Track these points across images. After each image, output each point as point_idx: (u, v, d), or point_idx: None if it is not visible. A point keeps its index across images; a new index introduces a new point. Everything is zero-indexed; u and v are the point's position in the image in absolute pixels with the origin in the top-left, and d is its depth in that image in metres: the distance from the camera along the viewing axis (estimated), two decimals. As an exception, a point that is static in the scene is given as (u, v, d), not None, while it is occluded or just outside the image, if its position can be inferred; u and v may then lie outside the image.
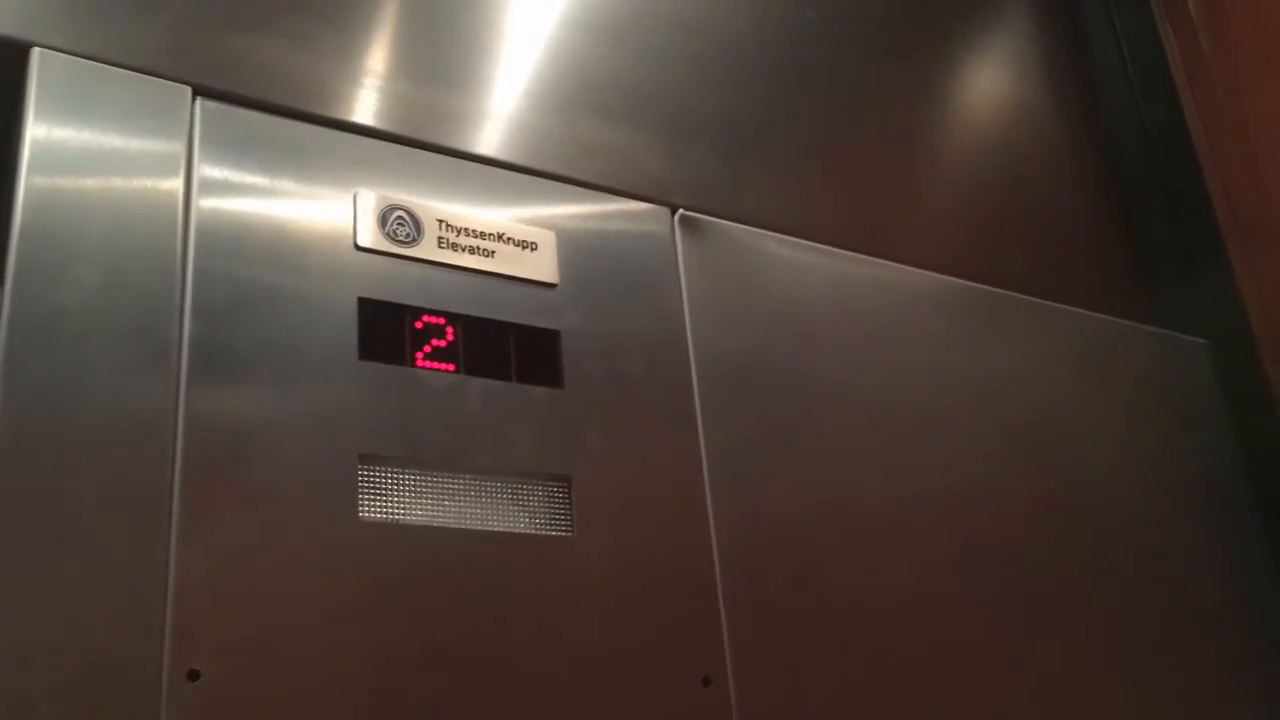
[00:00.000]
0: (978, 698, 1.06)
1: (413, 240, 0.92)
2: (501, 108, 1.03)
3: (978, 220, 1.36)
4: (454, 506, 0.85)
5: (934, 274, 1.24)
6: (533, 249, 0.97)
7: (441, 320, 0.90)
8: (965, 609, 1.09)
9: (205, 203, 0.84)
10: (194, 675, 0.71)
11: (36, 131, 0.79)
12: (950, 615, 1.07)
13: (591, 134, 1.07)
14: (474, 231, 0.95)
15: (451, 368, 0.89)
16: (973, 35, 1.50)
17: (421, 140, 0.97)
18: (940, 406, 1.17)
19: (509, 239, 0.96)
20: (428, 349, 0.88)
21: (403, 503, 0.83)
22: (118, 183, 0.81)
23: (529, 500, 0.89)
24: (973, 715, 1.04)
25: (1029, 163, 1.46)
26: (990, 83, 1.49)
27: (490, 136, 1.01)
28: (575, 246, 1.00)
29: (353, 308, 0.86)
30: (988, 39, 1.52)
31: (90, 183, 0.80)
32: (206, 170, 0.85)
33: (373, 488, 0.82)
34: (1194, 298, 1.51)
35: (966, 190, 1.38)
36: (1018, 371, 1.26)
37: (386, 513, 0.82)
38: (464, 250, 0.94)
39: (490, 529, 0.86)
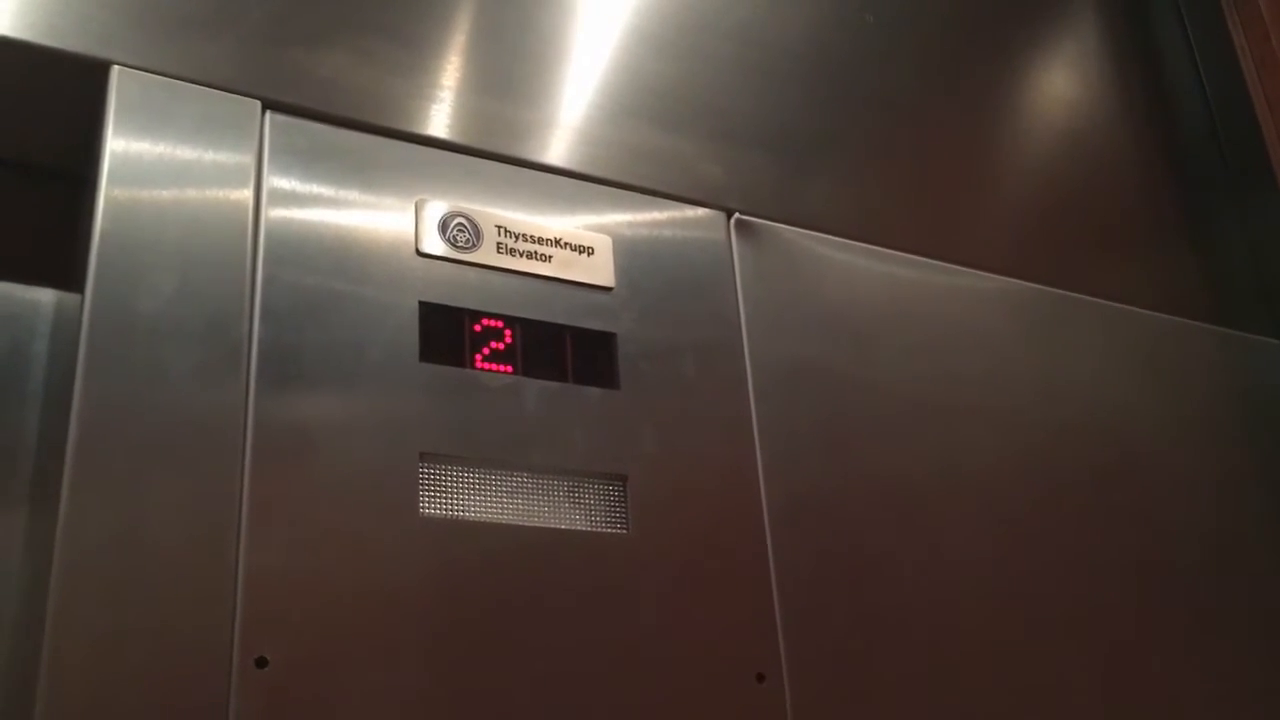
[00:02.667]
0: (1034, 695, 1.05)
1: (472, 246, 0.94)
2: (559, 116, 1.06)
3: (1040, 221, 1.35)
4: (512, 504, 0.88)
5: (995, 276, 1.24)
6: (589, 253, 0.99)
7: (500, 323, 0.93)
8: (1025, 610, 1.08)
9: (274, 212, 0.87)
10: (262, 662, 0.74)
11: (115, 146, 0.83)
12: (1009, 615, 1.07)
13: (647, 140, 1.09)
14: (532, 237, 0.97)
15: (509, 369, 0.91)
16: (1034, 35, 1.49)
17: (481, 149, 0.99)
18: (1001, 410, 1.17)
19: (566, 244, 0.99)
20: (486, 351, 0.91)
21: (462, 500, 0.86)
22: (191, 193, 0.85)
23: (585, 498, 0.91)
24: (1028, 709, 1.04)
25: (1094, 163, 1.45)
26: (1052, 82, 1.48)
27: (548, 144, 1.04)
28: (631, 251, 1.02)
29: (414, 311, 0.89)
30: (1049, 38, 1.51)
31: (165, 193, 0.84)
32: (275, 181, 0.88)
33: (433, 485, 0.85)
34: (1264, 297, 1.48)
35: (1028, 191, 1.37)
36: (1082, 374, 1.25)
37: (446, 509, 0.85)
38: (522, 255, 0.96)
39: (547, 526, 0.88)
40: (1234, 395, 1.38)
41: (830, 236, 1.15)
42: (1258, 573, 1.27)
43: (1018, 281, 1.25)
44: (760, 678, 0.91)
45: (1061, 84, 1.49)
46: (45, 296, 0.95)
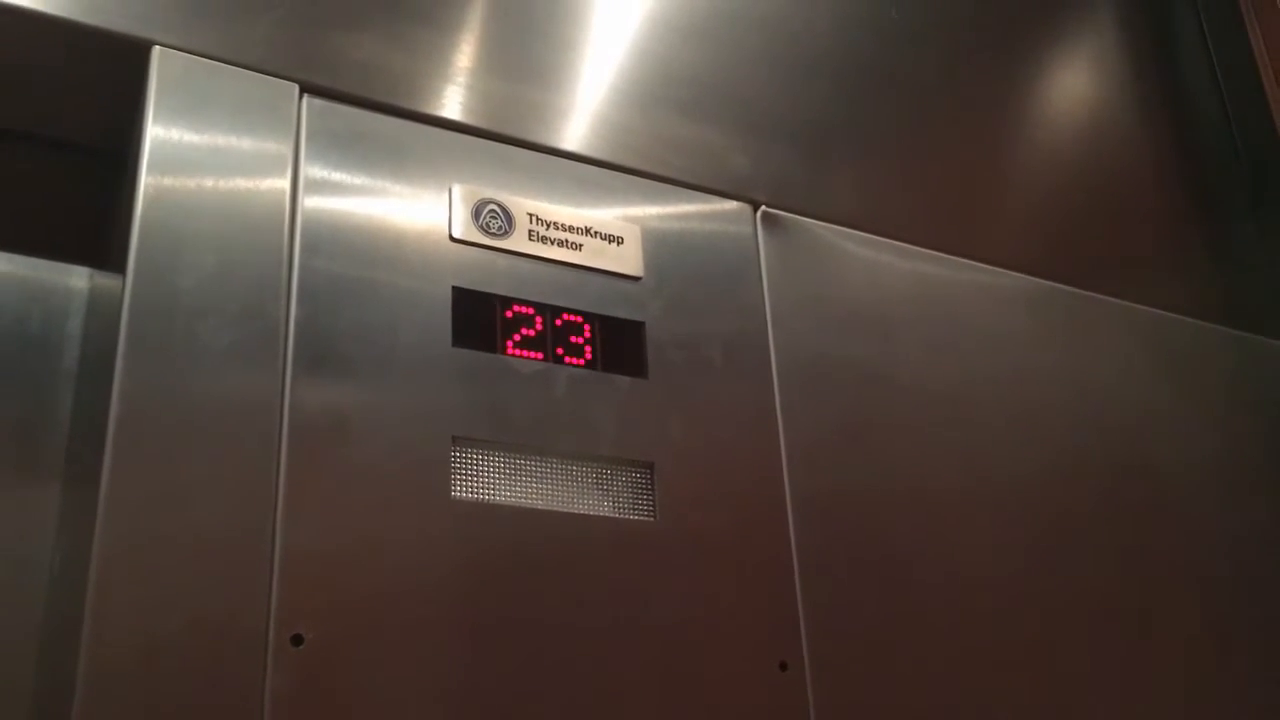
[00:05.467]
0: (1052, 686, 1.06)
1: (504, 233, 0.95)
2: (590, 104, 1.06)
3: (1060, 220, 1.36)
4: (541, 489, 0.88)
5: (1016, 274, 1.25)
6: (619, 243, 1.00)
7: (530, 310, 0.93)
8: (1043, 603, 1.10)
9: (310, 196, 0.88)
10: (297, 640, 0.75)
11: (156, 126, 0.84)
12: (1027, 608, 1.08)
13: (676, 131, 1.10)
14: (563, 225, 0.98)
15: (540, 355, 0.92)
16: (1057, 35, 1.50)
17: (513, 136, 1.00)
18: (1019, 405, 1.18)
19: (596, 233, 0.99)
20: (517, 337, 0.92)
21: (492, 483, 0.87)
22: (230, 175, 0.85)
23: (613, 485, 0.92)
24: (1047, 702, 1.05)
25: (1113, 163, 1.45)
26: (1075, 83, 1.49)
27: (578, 132, 1.04)
28: (659, 241, 1.03)
29: (447, 296, 0.90)
30: (1072, 38, 1.52)
31: (205, 175, 0.84)
32: (312, 165, 0.89)
33: (464, 468, 0.86)
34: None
35: (1049, 190, 1.38)
36: (1099, 373, 1.26)
37: (477, 493, 0.85)
38: (553, 243, 0.97)
39: (576, 512, 0.89)
40: (1250, 398, 1.39)
41: (855, 231, 1.15)
42: (1270, 572, 1.28)
43: (1039, 280, 1.26)
44: (783, 666, 0.92)
45: (1082, 85, 1.50)
46: (80, 274, 0.96)
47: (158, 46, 0.86)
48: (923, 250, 1.19)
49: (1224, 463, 1.31)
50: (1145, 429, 1.27)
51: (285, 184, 0.87)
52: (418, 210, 0.92)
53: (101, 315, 0.91)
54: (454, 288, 0.90)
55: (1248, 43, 1.63)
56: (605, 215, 1.01)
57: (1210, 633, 1.20)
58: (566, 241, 0.98)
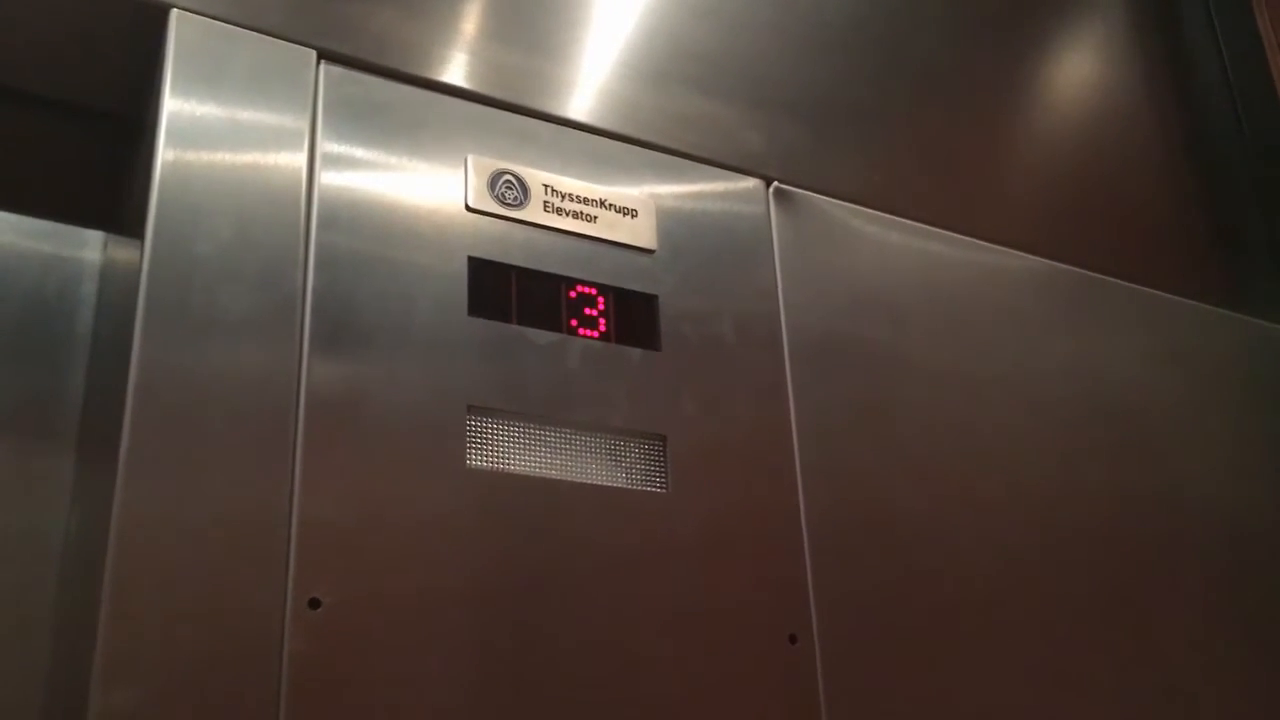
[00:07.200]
0: (1057, 657, 1.07)
1: (520, 204, 0.95)
2: (602, 78, 1.06)
3: (1068, 202, 1.36)
4: (555, 459, 0.89)
5: (1023, 254, 1.25)
6: (633, 216, 1.00)
7: (545, 281, 0.93)
8: (1046, 578, 1.10)
9: (327, 167, 0.87)
10: (315, 604, 0.75)
11: (174, 90, 0.84)
12: (1031, 582, 1.09)
13: (688, 106, 1.10)
14: (578, 197, 0.98)
15: (555, 327, 0.92)
16: (1067, 17, 1.50)
17: (528, 107, 1.00)
18: (1024, 384, 1.18)
19: (611, 205, 0.99)
20: (533, 307, 0.92)
21: (507, 453, 0.87)
22: (248, 146, 0.85)
23: (626, 456, 0.92)
24: (1054, 671, 1.06)
25: (1120, 147, 1.46)
26: (1083, 66, 1.49)
27: (591, 105, 1.04)
28: (673, 215, 1.03)
29: (463, 266, 0.90)
30: (1082, 20, 1.52)
31: (222, 145, 0.84)
32: (329, 135, 0.89)
33: (480, 437, 0.86)
34: (1284, 285, 1.50)
35: (1057, 172, 1.38)
36: (1103, 353, 1.27)
37: (492, 462, 0.86)
38: (568, 215, 0.97)
39: (589, 482, 0.89)
40: (1251, 380, 1.39)
41: (865, 209, 1.15)
42: (1267, 555, 1.29)
43: (1045, 261, 1.27)
44: (792, 639, 0.93)
45: (1090, 69, 1.50)
46: (94, 238, 0.95)
47: (175, 10, 0.86)
48: (933, 229, 1.19)
49: (1220, 442, 1.32)
50: (1144, 407, 1.27)
51: (303, 156, 0.87)
52: (434, 180, 0.92)
53: (117, 281, 0.91)
54: (470, 258, 0.91)
55: (1255, 26, 1.63)
56: (619, 188, 1.01)
57: (1211, 617, 1.21)
58: (581, 214, 0.98)
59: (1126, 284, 1.33)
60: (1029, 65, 1.42)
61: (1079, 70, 1.48)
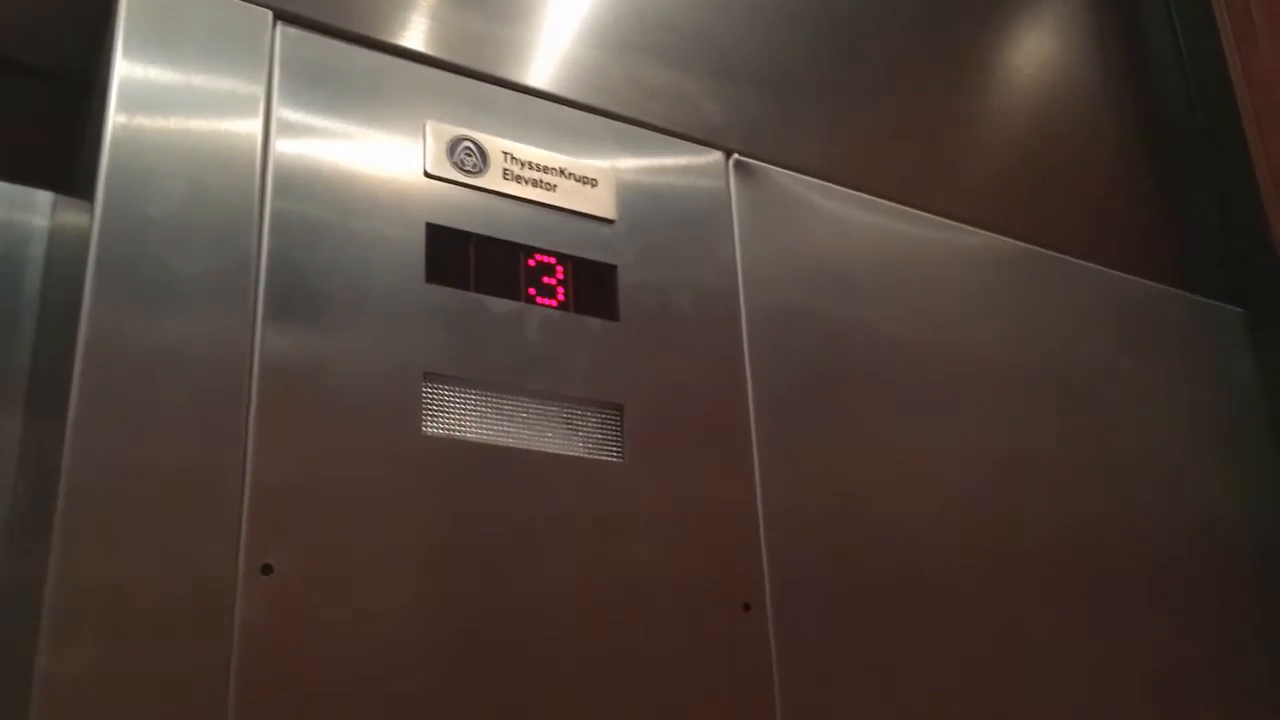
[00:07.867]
0: (1012, 629, 1.09)
1: (479, 171, 0.94)
2: (564, 45, 1.05)
3: (1023, 180, 1.37)
4: (512, 427, 0.89)
5: (979, 230, 1.26)
6: (592, 185, 1.00)
7: (504, 249, 0.93)
8: (999, 550, 1.12)
9: (283, 131, 0.86)
10: (267, 569, 0.75)
11: (126, 53, 0.82)
12: (982, 552, 1.11)
13: (651, 76, 1.09)
14: (537, 165, 0.97)
15: (513, 295, 0.92)
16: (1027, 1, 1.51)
17: (487, 73, 0.99)
18: (979, 357, 1.20)
19: (570, 174, 0.99)
20: (491, 275, 0.91)
21: (464, 420, 0.87)
22: (202, 110, 0.84)
23: (583, 425, 0.92)
24: (1000, 642, 1.08)
25: (1076, 126, 1.47)
26: (1040, 45, 1.50)
27: (553, 73, 1.03)
28: (633, 185, 1.03)
29: (421, 233, 0.89)
30: (1043, 3, 1.53)
31: (175, 109, 0.83)
32: (285, 100, 0.87)
33: (436, 404, 0.85)
34: (1232, 266, 1.52)
35: (1013, 150, 1.39)
36: (1055, 330, 1.28)
37: (448, 429, 0.85)
38: (527, 183, 0.96)
39: (546, 450, 0.89)
40: (1201, 360, 1.42)
41: (823, 183, 1.16)
42: (1216, 534, 1.32)
43: (997, 236, 1.28)
44: (746, 607, 0.94)
45: (1049, 50, 1.51)
46: (43, 199, 0.94)
47: (128, -34, 0.84)
48: (890, 204, 1.20)
49: (1165, 418, 1.34)
50: (1101, 386, 1.29)
51: (258, 119, 0.85)
52: (392, 146, 0.91)
53: (67, 243, 0.89)
54: (428, 224, 0.90)
55: (1211, 14, 1.65)
56: (579, 158, 1.01)
57: (1159, 590, 1.24)
58: (541, 182, 0.97)
59: (1079, 261, 1.34)
60: (989, 46, 1.43)
61: (1038, 51, 1.49)
